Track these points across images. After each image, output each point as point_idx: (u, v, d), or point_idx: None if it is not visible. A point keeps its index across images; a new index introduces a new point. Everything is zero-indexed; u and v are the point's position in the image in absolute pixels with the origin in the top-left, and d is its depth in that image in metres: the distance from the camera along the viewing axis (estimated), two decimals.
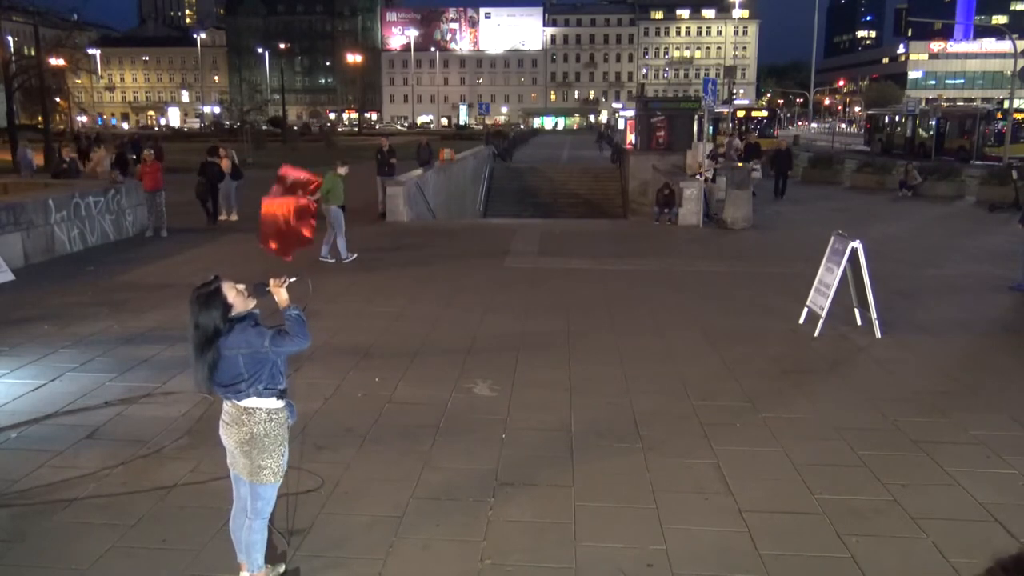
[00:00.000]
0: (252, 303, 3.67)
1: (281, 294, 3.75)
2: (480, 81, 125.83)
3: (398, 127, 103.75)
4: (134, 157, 24.13)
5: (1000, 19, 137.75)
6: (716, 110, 31.09)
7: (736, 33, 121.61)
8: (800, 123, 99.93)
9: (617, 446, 5.73)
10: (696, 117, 30.26)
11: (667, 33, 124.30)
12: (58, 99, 59.35)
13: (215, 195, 17.24)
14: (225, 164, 18.08)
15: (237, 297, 3.60)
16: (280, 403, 3.72)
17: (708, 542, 4.45)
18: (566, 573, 4.15)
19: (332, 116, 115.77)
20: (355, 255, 13.01)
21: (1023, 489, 5.14)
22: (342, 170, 13.22)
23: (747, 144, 26.07)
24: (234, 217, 17.82)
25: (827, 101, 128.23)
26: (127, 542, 4.39)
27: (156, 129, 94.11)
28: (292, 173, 9.96)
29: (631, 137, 41.76)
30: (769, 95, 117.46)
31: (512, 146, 44.90)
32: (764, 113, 47.77)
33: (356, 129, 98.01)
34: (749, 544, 4.41)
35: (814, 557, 4.32)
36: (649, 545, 4.39)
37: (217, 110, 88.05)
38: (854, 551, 4.34)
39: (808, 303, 9.16)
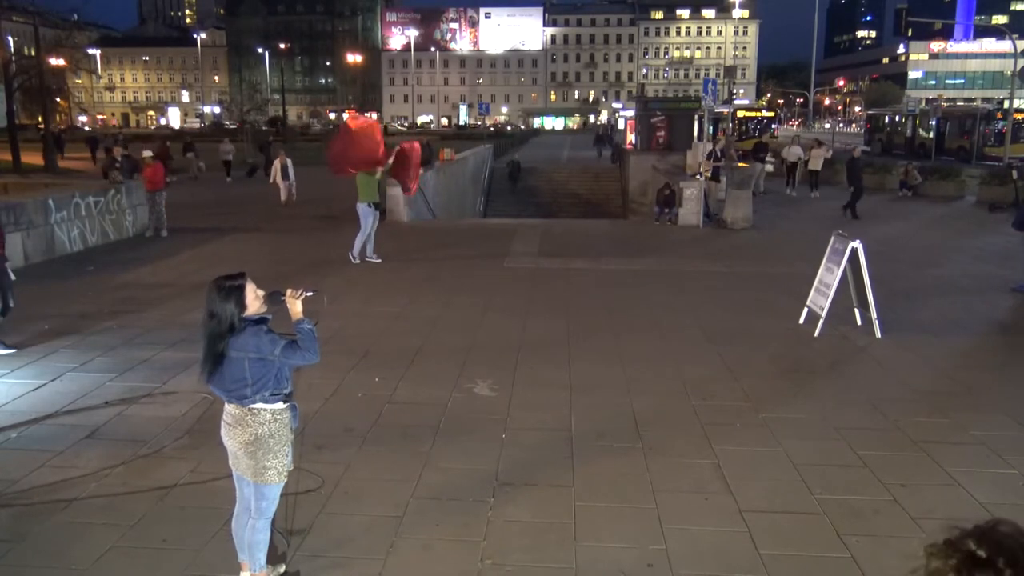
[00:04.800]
0: (264, 309, 3.68)
1: (296, 306, 3.75)
2: (480, 81, 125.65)
3: (398, 126, 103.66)
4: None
5: (1000, 19, 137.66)
6: (716, 110, 31.07)
7: (736, 33, 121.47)
8: (790, 122, 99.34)
9: (617, 446, 5.72)
10: (696, 117, 30.31)
11: (667, 33, 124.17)
12: (58, 99, 59.26)
13: None
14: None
15: (254, 301, 3.62)
16: (285, 405, 3.73)
17: (708, 542, 4.45)
18: (566, 573, 4.14)
19: (332, 116, 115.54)
20: (374, 260, 12.88)
21: (1023, 489, 5.14)
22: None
23: (756, 144, 26.10)
24: None
25: (827, 101, 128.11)
26: (127, 542, 4.39)
27: (119, 129, 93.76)
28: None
29: (631, 137, 41.81)
30: (769, 95, 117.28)
31: (518, 170, 37.83)
32: (772, 114, 47.31)
33: None
34: (749, 544, 4.41)
35: (814, 557, 4.32)
36: (649, 545, 4.39)
37: (217, 110, 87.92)
38: (854, 551, 4.34)
39: (808, 303, 9.16)
